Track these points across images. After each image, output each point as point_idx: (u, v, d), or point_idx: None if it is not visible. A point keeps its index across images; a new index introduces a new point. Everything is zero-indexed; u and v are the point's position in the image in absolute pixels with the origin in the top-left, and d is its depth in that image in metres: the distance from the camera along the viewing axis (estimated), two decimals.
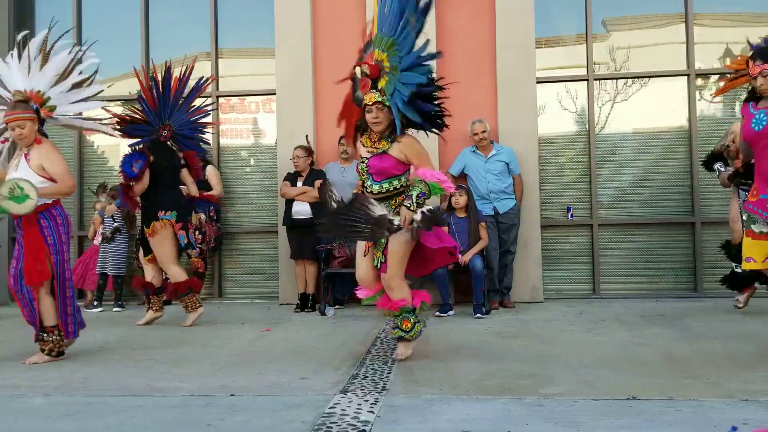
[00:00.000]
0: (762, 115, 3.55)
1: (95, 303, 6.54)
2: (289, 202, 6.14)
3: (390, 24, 3.61)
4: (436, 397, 2.99)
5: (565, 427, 2.51)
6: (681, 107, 6.58)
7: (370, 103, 3.64)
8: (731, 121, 6.43)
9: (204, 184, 6.58)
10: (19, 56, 4.14)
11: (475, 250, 5.62)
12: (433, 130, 3.80)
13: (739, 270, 5.18)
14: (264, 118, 7.18)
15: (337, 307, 6.13)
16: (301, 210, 6.02)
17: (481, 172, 6.05)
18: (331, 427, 2.54)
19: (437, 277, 5.56)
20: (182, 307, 5.35)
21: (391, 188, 3.70)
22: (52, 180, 3.93)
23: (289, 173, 6.22)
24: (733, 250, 5.21)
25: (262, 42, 7.09)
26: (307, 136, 6.29)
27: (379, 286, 3.82)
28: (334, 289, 6.20)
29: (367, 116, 3.67)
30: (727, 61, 4.18)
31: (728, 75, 4.18)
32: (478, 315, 5.42)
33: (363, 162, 3.75)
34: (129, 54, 7.24)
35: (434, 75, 3.74)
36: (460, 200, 5.69)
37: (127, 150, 5.43)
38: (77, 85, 4.32)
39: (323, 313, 5.80)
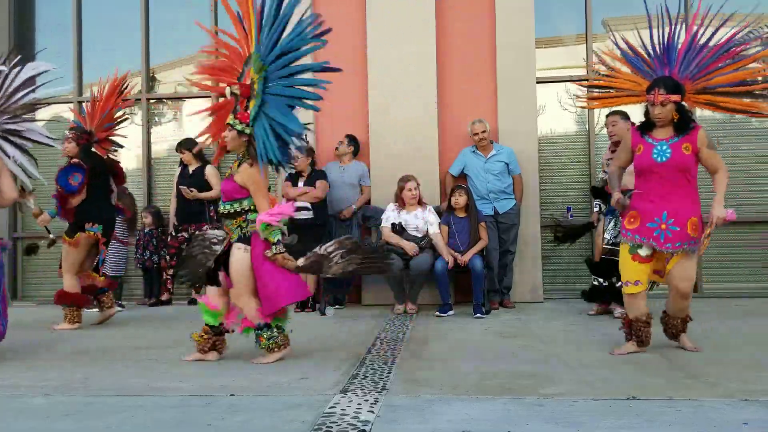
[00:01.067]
0: (665, 146, 3.63)
1: (94, 303, 6.53)
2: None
3: (265, 46, 3.69)
4: (436, 397, 2.98)
5: (565, 427, 2.51)
6: None
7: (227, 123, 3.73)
8: (730, 121, 6.44)
9: (204, 184, 6.58)
10: None
11: (475, 250, 5.62)
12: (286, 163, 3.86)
13: (596, 283, 5.40)
14: None
15: (337, 307, 6.13)
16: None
17: (480, 172, 6.05)
18: (331, 427, 2.54)
19: (437, 276, 5.57)
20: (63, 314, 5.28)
21: (232, 210, 3.77)
22: None
23: (290, 173, 6.22)
24: (592, 265, 5.43)
25: None
26: (306, 135, 6.29)
27: (224, 307, 3.87)
28: (334, 289, 6.20)
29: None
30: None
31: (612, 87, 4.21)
32: (478, 315, 5.42)
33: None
34: (129, 54, 7.25)
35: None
36: (459, 200, 5.69)
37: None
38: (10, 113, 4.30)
39: (323, 313, 5.80)
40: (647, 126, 3.76)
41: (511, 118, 6.35)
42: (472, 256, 5.57)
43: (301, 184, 6.11)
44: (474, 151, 6.11)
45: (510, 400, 2.90)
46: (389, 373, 3.47)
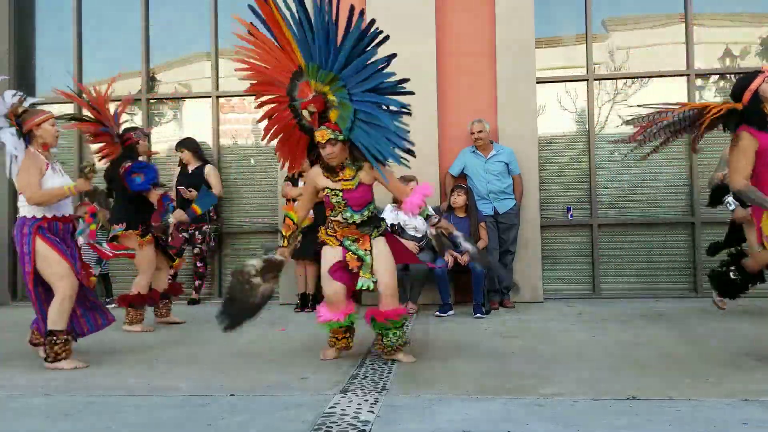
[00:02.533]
0: None
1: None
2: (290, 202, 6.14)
3: (325, 56, 3.55)
4: (436, 397, 2.99)
5: (565, 427, 2.51)
6: None
7: (324, 141, 3.60)
8: None
9: (203, 184, 6.58)
10: None
11: None
12: (403, 159, 3.62)
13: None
14: None
15: None
16: None
17: (480, 172, 6.05)
18: (331, 427, 2.54)
19: (437, 277, 5.57)
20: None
21: (370, 214, 3.80)
22: None
23: (291, 174, 6.22)
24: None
25: None
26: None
27: (348, 309, 3.83)
28: None
29: (322, 152, 3.64)
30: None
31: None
32: (478, 315, 5.42)
33: (338, 195, 3.71)
34: (129, 54, 7.25)
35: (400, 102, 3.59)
36: (458, 200, 5.69)
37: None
38: None
39: None
40: (760, 123, 3.54)
41: (510, 118, 6.35)
42: None
43: (301, 184, 6.10)
44: (474, 151, 6.11)
45: (510, 400, 2.90)
46: (389, 373, 3.48)
